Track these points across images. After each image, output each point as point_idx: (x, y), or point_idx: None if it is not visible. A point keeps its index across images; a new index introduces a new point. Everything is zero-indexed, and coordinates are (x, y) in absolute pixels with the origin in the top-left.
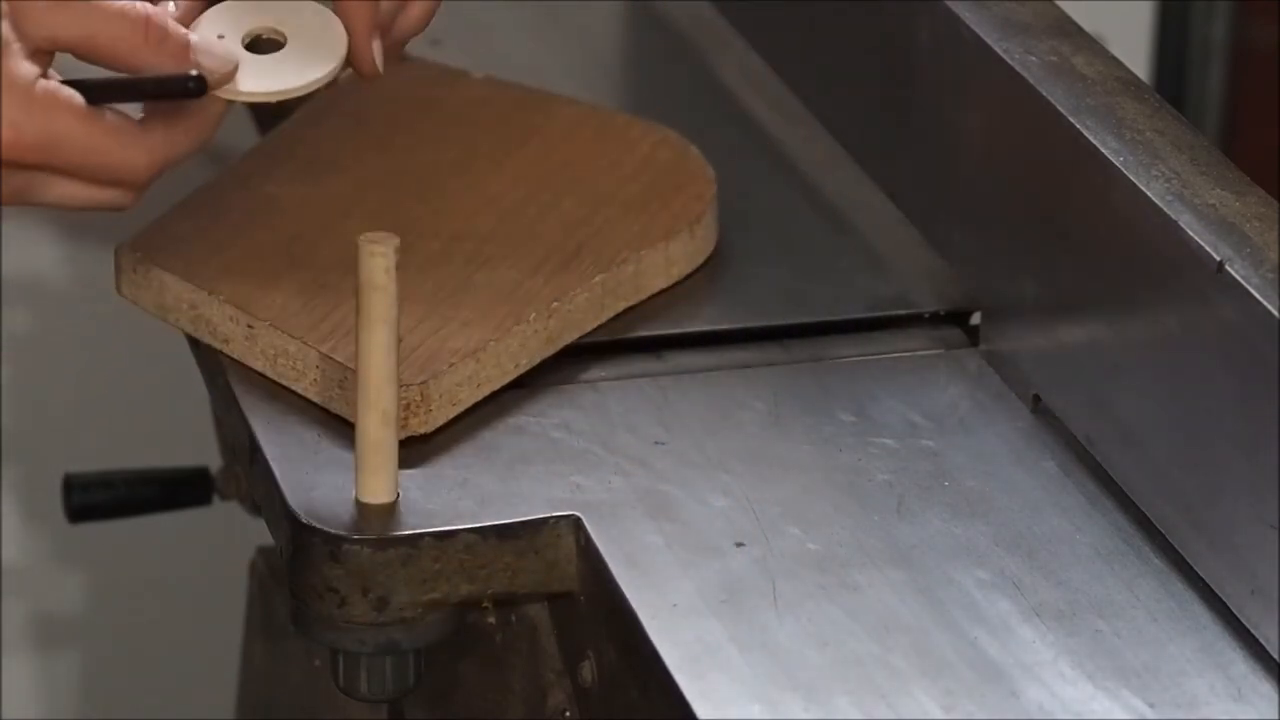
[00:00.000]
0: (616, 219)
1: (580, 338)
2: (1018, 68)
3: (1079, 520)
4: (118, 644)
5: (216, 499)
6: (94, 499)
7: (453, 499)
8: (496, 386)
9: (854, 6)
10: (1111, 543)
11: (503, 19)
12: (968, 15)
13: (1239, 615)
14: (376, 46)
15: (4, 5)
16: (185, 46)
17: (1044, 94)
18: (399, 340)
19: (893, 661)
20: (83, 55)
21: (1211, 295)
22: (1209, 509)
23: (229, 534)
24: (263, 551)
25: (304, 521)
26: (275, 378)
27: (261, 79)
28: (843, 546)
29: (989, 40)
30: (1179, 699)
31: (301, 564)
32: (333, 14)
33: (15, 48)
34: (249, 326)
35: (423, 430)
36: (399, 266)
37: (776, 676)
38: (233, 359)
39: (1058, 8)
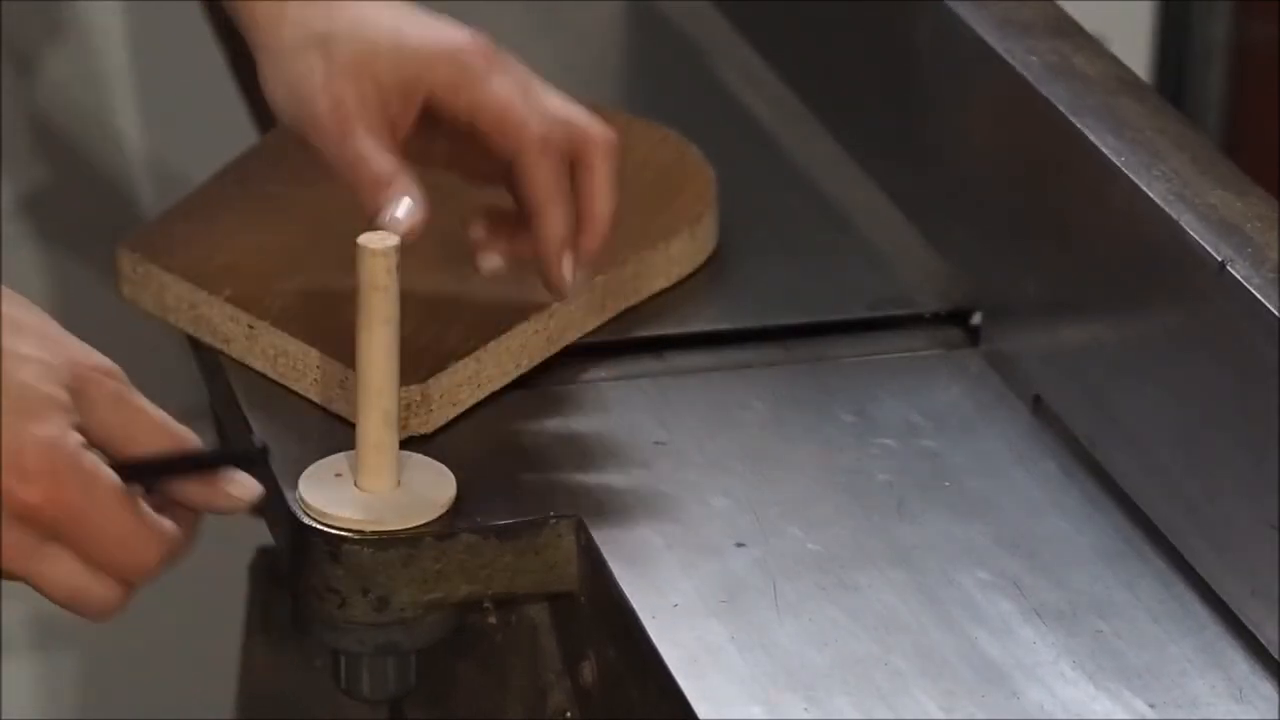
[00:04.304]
0: (616, 219)
1: (580, 338)
2: (1018, 67)
3: (1079, 520)
4: (118, 644)
5: None
6: None
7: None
8: (496, 387)
9: (854, 6)
10: (1111, 543)
11: (503, 19)
12: (968, 15)
13: (1239, 615)
14: (568, 262)
15: (69, 374)
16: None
17: (1044, 94)
18: (400, 340)
19: (893, 661)
20: (114, 452)
21: (1212, 295)
22: (1209, 509)
23: (229, 534)
24: (263, 551)
25: (304, 521)
26: (275, 378)
27: (362, 511)
28: (843, 546)
29: (989, 40)
30: (1180, 699)
31: (301, 564)
32: (446, 470)
33: (73, 417)
34: (249, 326)
35: (423, 430)
36: (399, 267)
37: (776, 676)
38: (233, 359)
39: (1058, 8)
